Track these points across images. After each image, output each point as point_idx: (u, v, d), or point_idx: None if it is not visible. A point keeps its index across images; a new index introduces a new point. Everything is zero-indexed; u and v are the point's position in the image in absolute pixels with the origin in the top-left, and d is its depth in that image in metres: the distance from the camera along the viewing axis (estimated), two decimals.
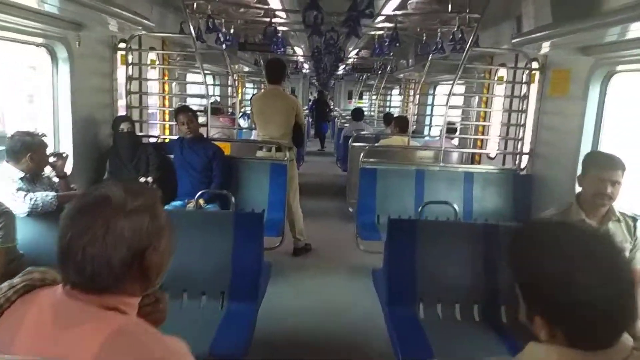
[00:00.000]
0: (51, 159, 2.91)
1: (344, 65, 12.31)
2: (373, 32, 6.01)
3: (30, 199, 2.57)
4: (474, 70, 5.66)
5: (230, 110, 7.10)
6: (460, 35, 4.52)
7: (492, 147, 5.43)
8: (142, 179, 3.70)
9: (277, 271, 3.77)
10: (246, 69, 8.86)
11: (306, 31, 5.09)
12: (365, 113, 9.59)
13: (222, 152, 3.99)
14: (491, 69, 5.42)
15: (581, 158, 3.33)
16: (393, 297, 2.53)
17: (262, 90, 7.30)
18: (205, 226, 2.68)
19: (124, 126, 3.74)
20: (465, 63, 4.12)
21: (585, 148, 3.39)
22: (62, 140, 3.49)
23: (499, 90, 5.50)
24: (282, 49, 5.96)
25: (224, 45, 4.99)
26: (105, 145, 3.94)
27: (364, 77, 12.93)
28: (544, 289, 0.93)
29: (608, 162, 2.17)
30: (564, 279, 0.90)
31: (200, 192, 3.11)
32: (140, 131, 4.51)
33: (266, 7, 4.74)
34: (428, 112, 8.45)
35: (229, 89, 7.42)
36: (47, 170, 2.92)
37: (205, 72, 6.46)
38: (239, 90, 8.84)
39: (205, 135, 4.12)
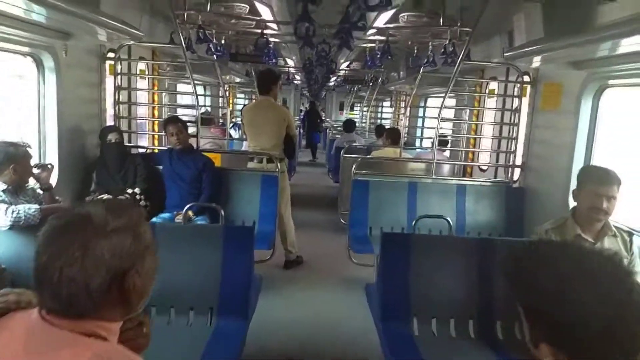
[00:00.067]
0: (36, 171, 2.83)
1: (336, 77, 12.34)
2: (364, 45, 6.02)
3: (13, 212, 2.49)
4: (465, 83, 5.68)
5: (221, 121, 7.04)
6: (451, 49, 4.53)
7: (484, 159, 5.43)
8: (130, 190, 3.62)
9: (268, 285, 3.69)
10: (237, 79, 8.83)
11: (298, 43, 5.07)
12: (357, 124, 9.60)
13: (212, 164, 3.93)
14: (482, 82, 5.44)
15: (574, 172, 3.40)
16: (386, 313, 2.47)
17: (253, 101, 7.28)
18: (193, 240, 2.61)
19: (111, 137, 3.67)
20: (457, 76, 4.13)
21: (578, 162, 3.39)
22: (48, 150, 3.41)
23: (490, 103, 5.52)
24: (273, 60, 5.93)
25: (214, 56, 4.95)
26: (93, 156, 3.86)
27: (356, 88, 12.98)
28: (548, 313, 0.89)
29: (604, 176, 2.16)
30: (568, 302, 0.86)
31: (188, 205, 3.03)
32: (129, 142, 4.44)
33: (258, 18, 4.71)
34: (419, 124, 8.47)
35: (220, 99, 7.37)
36: (32, 182, 2.84)
37: (196, 82, 6.42)
38: (230, 101, 8.80)
39: (195, 147, 4.06)
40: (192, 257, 2.54)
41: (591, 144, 3.38)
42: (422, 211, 3.97)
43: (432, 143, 4.91)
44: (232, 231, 2.70)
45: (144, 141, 5.18)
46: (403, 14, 4.44)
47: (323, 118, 16.17)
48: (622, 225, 2.31)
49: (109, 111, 4.17)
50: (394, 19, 4.51)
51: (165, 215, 3.68)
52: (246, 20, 4.75)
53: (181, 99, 6.68)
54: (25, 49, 3.15)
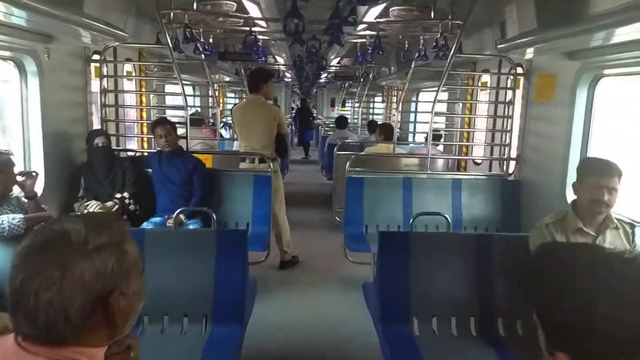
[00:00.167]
0: (20, 178, 2.73)
1: (326, 74, 12.26)
2: (355, 40, 5.95)
3: None
4: (457, 76, 5.64)
5: (211, 121, 6.95)
6: (443, 42, 4.46)
7: (478, 153, 5.39)
8: (119, 195, 3.54)
9: (263, 287, 3.63)
10: (227, 78, 8.73)
11: (287, 40, 4.99)
12: (349, 120, 9.53)
13: (202, 165, 3.85)
14: (474, 75, 5.39)
15: (570, 163, 3.37)
16: (386, 314, 2.42)
17: (243, 100, 7.19)
18: (185, 246, 2.54)
19: (98, 140, 3.58)
20: (449, 70, 4.07)
21: (574, 153, 3.35)
22: (33, 156, 3.31)
23: (483, 96, 5.48)
24: (263, 58, 5.83)
25: (202, 55, 4.85)
26: (80, 161, 3.77)
27: (347, 85, 12.91)
28: (567, 321, 0.82)
29: (604, 168, 2.11)
30: (591, 311, 0.79)
31: (179, 210, 2.95)
32: (117, 145, 4.35)
33: (245, 15, 4.62)
34: (411, 119, 8.43)
35: (210, 99, 7.28)
36: (16, 191, 2.75)
37: (185, 82, 6.32)
38: (220, 101, 8.70)
39: (185, 148, 3.98)
40: (184, 263, 2.47)
41: (587, 135, 3.34)
42: (418, 207, 3.92)
43: (426, 138, 4.86)
44: (224, 235, 2.63)
45: (132, 144, 5.09)
46: (393, 8, 4.37)
47: (315, 115, 16.09)
48: (623, 217, 2.27)
49: (96, 115, 4.07)
50: (384, 13, 4.45)
51: (157, 219, 3.60)
52: (234, 18, 4.66)
53: (170, 100, 6.58)
54: (6, 53, 3.06)
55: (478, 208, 4.05)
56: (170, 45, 3.97)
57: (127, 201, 3.54)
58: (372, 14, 4.43)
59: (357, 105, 11.17)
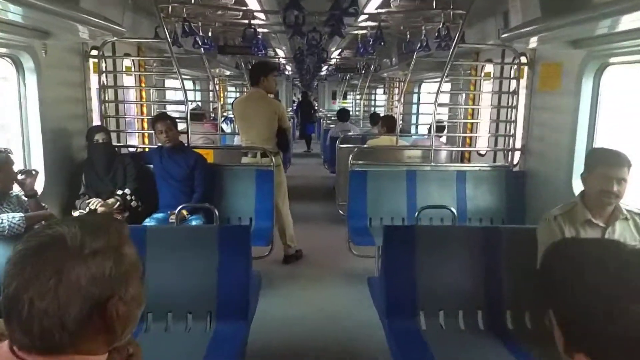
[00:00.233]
0: (19, 177, 2.70)
1: (327, 66, 12.18)
2: (356, 32, 5.89)
3: None
4: (460, 67, 5.57)
5: (212, 115, 6.91)
6: (445, 32, 4.41)
7: (482, 144, 5.34)
8: (120, 192, 3.51)
9: (267, 282, 3.61)
10: (227, 72, 8.67)
11: (287, 32, 4.93)
12: (350, 113, 9.48)
13: (204, 160, 3.81)
14: (477, 65, 5.33)
15: (576, 153, 3.33)
16: (392, 308, 2.39)
17: (244, 94, 7.14)
18: (188, 242, 2.50)
19: (98, 137, 3.55)
20: (452, 60, 4.02)
21: (580, 143, 3.31)
22: (32, 154, 3.29)
23: (486, 86, 5.42)
24: (262, 51, 5.79)
25: (202, 49, 4.80)
26: (80, 158, 3.74)
27: (348, 77, 12.82)
28: (588, 321, 0.79)
29: (613, 158, 2.06)
30: (614, 309, 0.76)
31: (181, 206, 2.92)
32: (118, 141, 4.31)
33: (244, 8, 4.57)
34: (414, 110, 8.37)
35: (211, 93, 7.23)
36: (16, 189, 2.72)
37: (185, 77, 6.27)
38: (221, 95, 8.65)
39: (186, 144, 3.95)
40: (187, 259, 2.44)
41: (593, 124, 3.29)
42: (422, 200, 3.89)
43: (429, 129, 4.81)
44: (227, 231, 2.60)
45: (133, 140, 5.05)
46: None
47: (317, 108, 16.02)
48: (633, 207, 2.23)
49: (95, 111, 4.03)
50: (385, 3, 4.39)
51: (159, 215, 3.57)
52: (233, 10, 4.60)
53: (171, 95, 6.55)
54: (3, 50, 3.02)
55: (483, 200, 4.01)
56: (169, 39, 3.93)
57: (128, 197, 3.52)
58: (373, 5, 4.37)
59: (358, 97, 11.10)
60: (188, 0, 4.12)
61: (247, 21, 4.68)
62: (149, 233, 2.47)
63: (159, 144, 3.75)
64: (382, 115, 8.00)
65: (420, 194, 3.95)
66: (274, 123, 4.23)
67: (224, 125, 7.18)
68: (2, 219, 2.39)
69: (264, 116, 4.21)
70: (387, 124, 5.39)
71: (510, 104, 4.26)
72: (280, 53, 9.77)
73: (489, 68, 5.21)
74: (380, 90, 11.70)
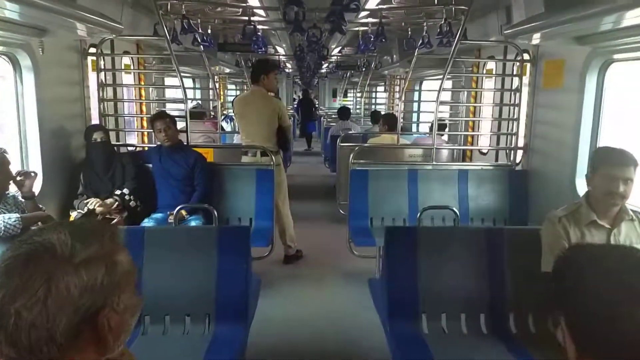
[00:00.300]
0: (18, 178, 2.66)
1: (328, 64, 12.12)
2: (357, 28, 5.84)
3: None
4: (462, 63, 5.52)
5: (212, 113, 6.88)
6: (447, 29, 4.35)
7: (484, 142, 5.30)
8: (119, 191, 3.47)
9: (267, 283, 3.58)
10: (227, 70, 8.62)
11: (287, 29, 4.88)
12: (351, 111, 9.43)
13: (203, 159, 3.77)
14: (479, 62, 5.28)
15: (580, 152, 3.28)
16: (393, 312, 2.35)
17: (245, 92, 7.10)
18: (186, 243, 2.47)
19: (97, 136, 3.51)
20: (454, 57, 3.97)
21: (584, 141, 3.27)
22: (30, 153, 3.25)
23: (488, 83, 5.37)
24: (263, 49, 5.73)
25: (201, 47, 4.76)
26: (79, 157, 3.71)
27: (348, 74, 12.76)
28: (597, 327, 0.77)
29: (619, 158, 2.02)
30: (622, 315, 0.74)
31: (179, 207, 2.88)
32: (117, 140, 4.28)
33: (244, 4, 4.52)
34: (415, 108, 8.31)
35: (210, 91, 7.19)
36: (13, 190, 2.68)
37: (185, 75, 6.23)
38: (221, 93, 8.60)
39: (185, 142, 3.91)
40: (185, 261, 2.40)
41: (597, 122, 3.25)
42: (424, 199, 3.85)
43: (431, 128, 4.77)
44: (226, 232, 2.56)
45: (132, 139, 5.02)
46: None
47: (317, 106, 15.96)
48: (639, 208, 2.19)
49: (94, 109, 3.99)
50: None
51: (158, 215, 3.54)
52: (232, 7, 4.55)
53: (172, 93, 6.50)
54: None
55: (485, 199, 3.97)
56: (168, 36, 3.88)
57: (127, 197, 3.48)
58: (374, 1, 4.32)
59: (359, 95, 11.05)
60: None
61: (246, 18, 4.64)
62: (147, 234, 2.43)
63: (158, 143, 3.72)
64: (383, 113, 7.96)
65: (421, 193, 3.91)
66: (274, 121, 4.19)
67: (224, 124, 7.14)
68: None
69: (263, 114, 4.16)
70: (388, 122, 5.35)
71: (512, 101, 4.21)
72: (281, 50, 9.71)
73: (491, 65, 5.16)
74: (381, 88, 11.65)
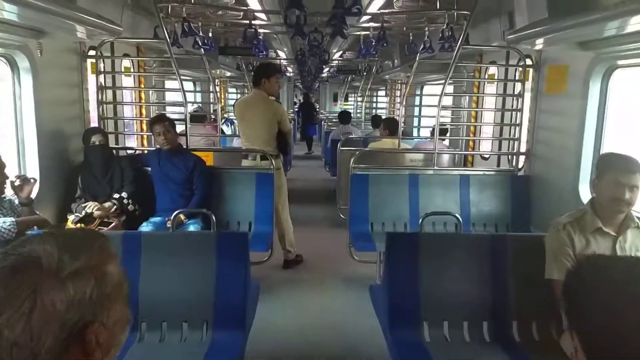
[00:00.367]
0: (17, 183, 2.63)
1: (329, 68, 12.12)
2: (358, 33, 5.83)
3: None
4: (464, 68, 5.50)
5: (213, 117, 6.85)
6: (449, 33, 4.33)
7: (485, 148, 5.26)
8: (117, 195, 3.44)
9: (266, 288, 3.54)
10: (228, 73, 8.61)
11: (288, 32, 4.86)
12: (352, 115, 9.41)
13: (203, 163, 3.74)
14: (481, 67, 5.25)
15: (583, 158, 3.25)
16: (395, 319, 2.31)
17: (245, 95, 7.08)
18: (184, 249, 2.43)
19: (95, 139, 3.48)
20: (456, 62, 3.94)
21: (587, 147, 3.23)
22: (27, 157, 3.21)
23: (490, 89, 5.34)
24: (264, 52, 5.72)
25: (202, 50, 4.73)
26: (77, 160, 3.67)
27: (349, 78, 12.76)
28: (611, 341, 0.75)
29: (626, 164, 1.98)
30: (633, 329, 0.72)
31: (176, 212, 2.83)
32: (116, 143, 4.24)
33: (245, 8, 4.50)
34: (415, 113, 8.29)
35: (211, 95, 7.17)
36: (9, 193, 2.65)
37: (185, 78, 6.20)
38: (222, 96, 8.58)
39: (185, 146, 3.88)
40: (183, 267, 2.36)
41: (601, 128, 3.22)
42: (425, 205, 3.81)
43: (432, 132, 4.74)
44: (225, 238, 2.52)
45: (132, 142, 4.99)
46: None
47: (318, 110, 15.96)
48: None
49: (93, 112, 3.96)
50: (388, 4, 4.32)
51: (157, 219, 3.50)
52: (233, 10, 4.53)
53: (173, 96, 6.48)
54: None
55: (487, 205, 3.93)
56: (168, 39, 3.86)
57: (125, 201, 3.45)
58: (375, 5, 4.30)
59: (360, 99, 11.03)
60: None
61: (247, 21, 4.62)
62: (144, 239, 2.39)
63: (158, 146, 3.69)
64: (383, 117, 7.94)
65: (422, 198, 3.87)
66: (274, 126, 4.16)
67: (224, 127, 7.12)
68: None
69: (263, 118, 4.14)
70: (389, 126, 5.33)
71: (515, 106, 4.18)
72: (282, 54, 9.71)
73: (493, 70, 5.14)
74: (382, 93, 11.64)
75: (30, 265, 0.71)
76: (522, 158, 4.08)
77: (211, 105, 7.42)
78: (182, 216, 3.34)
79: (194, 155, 3.74)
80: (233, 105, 6.67)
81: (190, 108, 6.42)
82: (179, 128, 3.95)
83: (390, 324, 2.30)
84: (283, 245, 4.30)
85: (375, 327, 2.59)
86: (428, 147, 5.26)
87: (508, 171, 4.13)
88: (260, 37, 5.13)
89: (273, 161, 3.96)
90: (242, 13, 4.61)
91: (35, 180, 2.76)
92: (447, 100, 6.10)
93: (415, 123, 8.39)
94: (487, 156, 5.10)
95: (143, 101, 5.17)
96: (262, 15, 4.90)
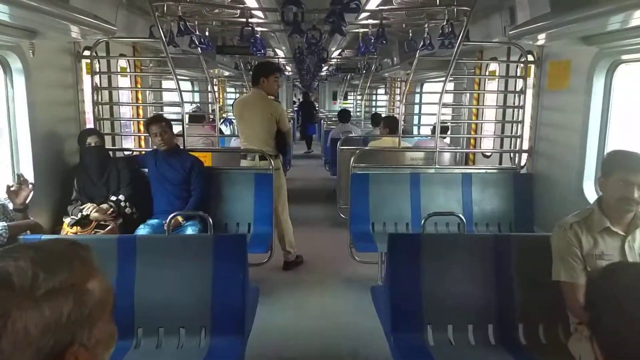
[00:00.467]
0: (12, 188, 2.57)
1: (327, 66, 12.05)
2: (357, 30, 5.76)
3: None
4: (464, 65, 5.44)
5: (211, 117, 6.79)
6: (449, 30, 4.27)
7: (487, 145, 5.21)
8: (114, 197, 3.38)
9: (266, 289, 3.48)
10: (226, 73, 8.54)
11: (286, 30, 4.80)
12: (351, 113, 9.35)
13: (201, 163, 3.68)
14: (482, 63, 5.19)
15: (587, 155, 3.19)
16: (397, 323, 2.25)
17: (244, 94, 7.02)
18: (181, 252, 2.37)
19: (90, 140, 3.42)
20: (456, 58, 3.88)
21: (591, 144, 3.17)
22: (21, 159, 3.15)
23: (492, 85, 5.28)
24: (261, 51, 5.65)
25: (199, 49, 4.67)
26: (72, 162, 3.61)
27: (348, 77, 12.70)
28: (630, 347, 0.71)
29: (634, 162, 1.92)
30: None
31: (172, 214, 2.77)
32: (113, 145, 4.18)
33: (242, 6, 4.43)
34: (416, 110, 8.23)
35: (209, 95, 7.12)
36: (3, 198, 2.59)
37: (183, 78, 6.14)
38: (220, 96, 8.52)
39: (182, 147, 3.82)
40: (180, 271, 2.31)
41: (605, 125, 3.16)
42: (426, 204, 3.76)
43: (432, 130, 4.68)
44: (223, 240, 2.46)
45: (129, 143, 4.93)
46: None
47: (317, 108, 15.91)
48: None
49: (88, 113, 3.90)
50: (387, 0, 4.25)
51: (154, 221, 3.44)
52: (230, 8, 4.47)
53: (169, 96, 6.41)
54: None
55: (489, 203, 3.87)
56: (164, 39, 3.79)
57: (122, 204, 3.39)
58: (374, 1, 4.23)
59: (359, 98, 10.97)
60: None
61: (244, 19, 4.55)
62: (139, 243, 2.34)
63: (154, 147, 3.63)
64: (383, 115, 7.88)
65: (424, 197, 3.81)
66: (272, 125, 4.09)
67: (223, 127, 7.06)
68: None
69: (262, 118, 4.08)
70: (389, 124, 5.27)
71: (516, 103, 4.12)
72: (280, 53, 9.64)
73: (494, 66, 5.08)
74: (381, 91, 11.58)
75: (2, 284, 0.64)
76: (524, 156, 4.02)
77: (209, 105, 7.37)
78: (179, 218, 3.29)
79: (191, 156, 3.68)
80: (232, 105, 6.61)
81: (189, 108, 6.37)
82: (177, 128, 3.89)
83: (392, 326, 2.25)
84: (283, 246, 4.25)
85: (377, 330, 2.54)
86: (429, 146, 5.20)
87: (510, 169, 4.07)
88: (258, 35, 5.06)
89: (272, 161, 3.90)
90: (238, 11, 4.55)
91: (33, 185, 2.69)
92: (448, 98, 6.04)
93: (416, 121, 8.33)
94: (488, 154, 5.04)
95: (140, 101, 5.11)
96: (259, 13, 4.83)
